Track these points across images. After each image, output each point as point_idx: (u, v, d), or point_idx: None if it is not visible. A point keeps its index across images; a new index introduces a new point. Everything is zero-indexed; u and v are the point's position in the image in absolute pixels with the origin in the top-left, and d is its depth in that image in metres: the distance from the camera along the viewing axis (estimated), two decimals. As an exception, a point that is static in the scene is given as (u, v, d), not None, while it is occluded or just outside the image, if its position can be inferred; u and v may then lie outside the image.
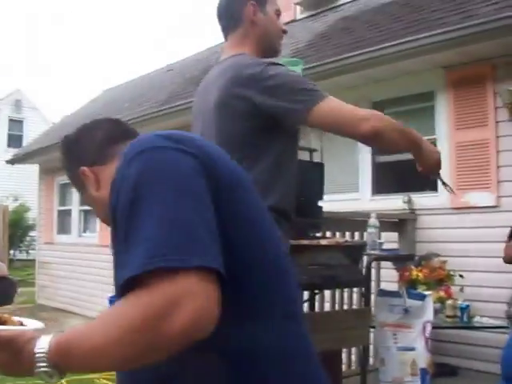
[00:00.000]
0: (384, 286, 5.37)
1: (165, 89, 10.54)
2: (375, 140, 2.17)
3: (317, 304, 4.88)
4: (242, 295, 1.17)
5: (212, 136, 2.22)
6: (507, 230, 4.89)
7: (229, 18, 2.45)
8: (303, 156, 4.88)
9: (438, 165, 2.42)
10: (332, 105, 2.17)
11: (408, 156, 6.16)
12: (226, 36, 2.48)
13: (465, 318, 4.87)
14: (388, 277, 5.43)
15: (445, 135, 5.79)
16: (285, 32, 2.52)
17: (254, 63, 2.26)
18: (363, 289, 4.53)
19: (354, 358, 5.33)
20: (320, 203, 4.04)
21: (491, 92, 5.48)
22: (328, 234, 5.05)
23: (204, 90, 2.44)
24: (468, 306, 4.90)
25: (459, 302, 4.94)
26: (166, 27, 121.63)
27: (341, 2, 8.92)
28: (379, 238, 5.05)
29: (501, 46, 5.28)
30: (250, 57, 2.35)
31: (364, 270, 4.21)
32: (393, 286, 5.08)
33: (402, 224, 5.75)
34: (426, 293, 4.59)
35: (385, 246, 5.11)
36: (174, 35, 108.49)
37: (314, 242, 3.66)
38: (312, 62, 6.41)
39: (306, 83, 2.23)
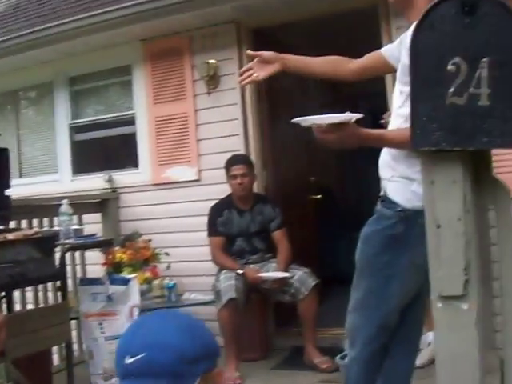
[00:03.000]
0: (92, 270, 5.13)
1: None
2: None
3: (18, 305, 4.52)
4: None
5: None
6: (209, 203, 4.93)
7: None
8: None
9: None
10: None
11: (107, 133, 6.01)
12: None
13: (172, 297, 4.81)
14: (97, 259, 5.15)
15: (144, 110, 5.62)
16: None
17: None
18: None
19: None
20: (8, 192, 3.69)
21: (189, 65, 5.43)
22: (24, 223, 4.68)
23: None
24: (174, 284, 4.84)
25: (166, 282, 4.87)
26: None
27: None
28: (79, 224, 4.81)
29: (197, 18, 5.21)
30: None
31: (58, 262, 3.90)
32: (101, 270, 4.87)
33: (104, 204, 5.53)
34: (130, 276, 4.46)
35: (88, 229, 4.86)
36: None
37: (0, 237, 3.31)
38: (2, 35, 5.87)
39: None
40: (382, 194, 2.57)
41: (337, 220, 7.18)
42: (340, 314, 5.01)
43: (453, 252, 1.49)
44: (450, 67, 1.47)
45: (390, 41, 4.80)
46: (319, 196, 6.31)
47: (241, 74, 2.71)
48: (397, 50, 2.54)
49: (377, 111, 4.44)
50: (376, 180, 2.64)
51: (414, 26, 2.32)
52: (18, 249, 3.33)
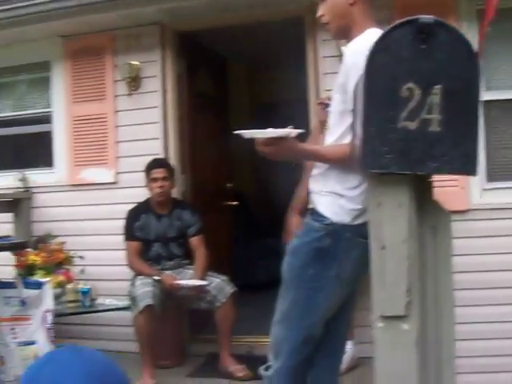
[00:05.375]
0: (2, 271, 4.92)
1: None
2: None
3: None
4: None
5: None
6: (126, 207, 4.84)
7: None
8: None
9: None
10: None
11: (23, 129, 5.73)
12: None
13: (86, 302, 4.69)
14: (6, 260, 4.96)
15: (61, 108, 5.43)
16: None
17: None
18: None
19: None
20: None
21: (111, 65, 5.30)
22: None
23: None
24: (89, 289, 4.72)
25: (80, 286, 4.75)
26: None
27: None
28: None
29: (121, 18, 5.08)
30: None
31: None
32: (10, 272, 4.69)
33: (16, 203, 5.31)
34: (44, 279, 4.32)
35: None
36: None
37: None
38: None
39: None
40: (310, 206, 2.60)
41: (251, 227, 7.21)
42: (253, 322, 5.04)
43: (396, 274, 1.51)
44: (403, 92, 1.49)
45: (315, 53, 4.85)
46: (235, 203, 6.30)
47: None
48: None
49: (298, 118, 4.47)
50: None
51: (353, 42, 2.36)
52: None
